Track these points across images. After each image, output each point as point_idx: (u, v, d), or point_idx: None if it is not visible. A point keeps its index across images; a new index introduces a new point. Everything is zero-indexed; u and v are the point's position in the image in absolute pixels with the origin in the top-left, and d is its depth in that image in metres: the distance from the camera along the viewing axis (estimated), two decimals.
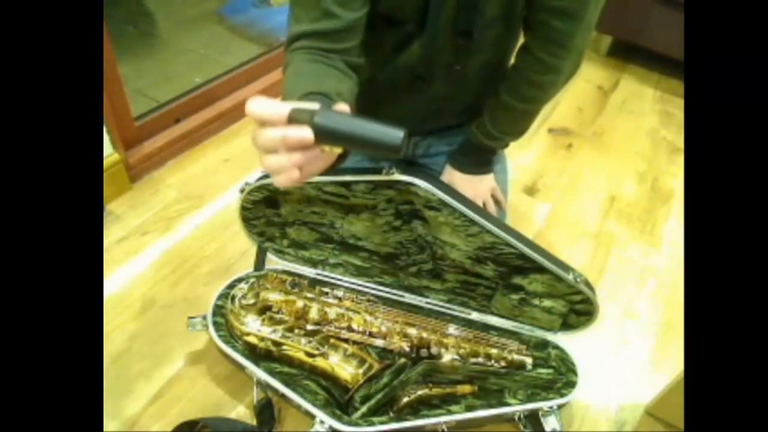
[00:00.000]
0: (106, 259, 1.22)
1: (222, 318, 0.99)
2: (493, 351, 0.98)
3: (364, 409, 0.90)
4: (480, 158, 1.00)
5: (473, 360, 0.97)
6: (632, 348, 1.16)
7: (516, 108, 0.91)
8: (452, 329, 1.00)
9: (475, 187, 1.00)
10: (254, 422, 0.95)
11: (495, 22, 0.82)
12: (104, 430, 0.94)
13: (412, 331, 0.98)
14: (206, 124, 1.59)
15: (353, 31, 0.75)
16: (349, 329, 0.97)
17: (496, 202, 1.05)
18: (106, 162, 1.33)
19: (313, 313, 0.97)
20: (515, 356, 0.98)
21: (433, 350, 0.96)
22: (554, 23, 0.79)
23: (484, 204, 1.02)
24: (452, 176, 1.00)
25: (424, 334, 0.97)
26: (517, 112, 0.92)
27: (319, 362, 0.94)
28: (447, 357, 0.96)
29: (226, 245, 1.29)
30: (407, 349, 0.97)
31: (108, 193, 1.36)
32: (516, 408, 0.91)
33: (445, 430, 0.90)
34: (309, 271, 1.08)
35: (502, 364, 0.98)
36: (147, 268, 1.22)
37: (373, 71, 0.87)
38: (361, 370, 0.93)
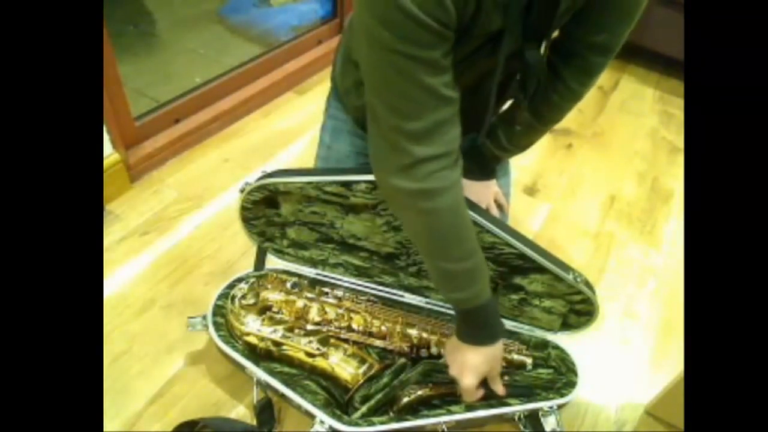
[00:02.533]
0: (106, 259, 1.22)
1: (222, 318, 0.99)
2: None
3: (364, 409, 0.90)
4: (486, 166, 1.00)
5: None
6: (632, 348, 1.16)
7: (534, 127, 0.91)
8: (452, 329, 1.00)
9: (479, 192, 1.00)
10: (254, 422, 0.95)
11: None
12: (104, 430, 0.94)
13: (412, 331, 0.98)
14: (206, 124, 1.59)
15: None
16: (349, 329, 0.97)
17: (499, 206, 1.05)
18: (106, 162, 1.32)
19: (313, 313, 0.97)
20: (515, 356, 0.98)
21: (433, 350, 0.96)
22: (592, 57, 0.78)
23: (486, 207, 1.02)
24: None
25: (424, 334, 0.97)
26: (534, 130, 0.92)
27: (319, 362, 0.94)
28: None
29: (226, 245, 1.29)
30: (407, 349, 0.97)
31: (108, 193, 1.36)
32: (516, 408, 0.91)
33: (445, 430, 0.90)
34: (309, 271, 1.08)
35: (503, 364, 0.98)
36: (147, 268, 1.22)
37: None
38: (361, 370, 0.93)
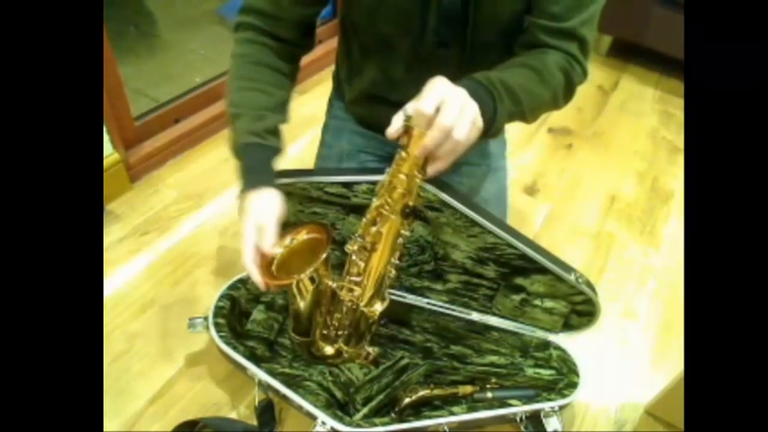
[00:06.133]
0: (106, 259, 1.22)
1: (223, 319, 0.99)
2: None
3: (365, 410, 0.90)
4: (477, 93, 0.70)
5: None
6: (632, 348, 1.16)
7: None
8: None
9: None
10: (255, 422, 0.95)
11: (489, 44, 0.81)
12: (104, 430, 0.94)
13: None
14: (206, 124, 1.59)
15: (297, 26, 0.81)
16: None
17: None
18: (106, 162, 1.32)
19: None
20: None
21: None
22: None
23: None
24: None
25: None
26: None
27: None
28: None
29: (226, 245, 1.29)
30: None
31: (108, 193, 1.35)
32: (518, 409, 0.91)
33: (447, 430, 0.90)
34: None
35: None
36: (147, 268, 1.22)
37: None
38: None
